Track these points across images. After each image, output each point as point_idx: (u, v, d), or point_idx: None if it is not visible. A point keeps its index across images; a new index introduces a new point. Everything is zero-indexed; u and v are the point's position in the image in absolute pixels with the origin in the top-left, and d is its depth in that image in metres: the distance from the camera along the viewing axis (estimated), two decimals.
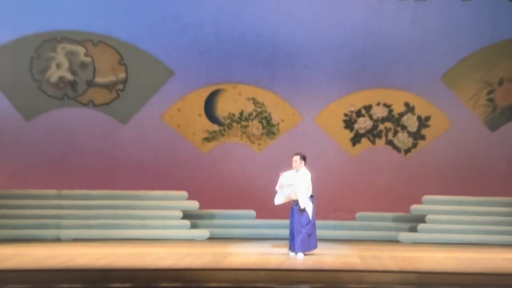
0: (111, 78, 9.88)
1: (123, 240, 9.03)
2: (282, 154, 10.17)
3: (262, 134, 10.35)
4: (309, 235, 7.36)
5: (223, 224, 9.77)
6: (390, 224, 9.75)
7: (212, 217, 9.83)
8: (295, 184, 7.35)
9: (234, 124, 10.36)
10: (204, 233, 9.51)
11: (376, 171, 10.23)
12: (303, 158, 7.47)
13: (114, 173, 10.00)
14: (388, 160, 10.25)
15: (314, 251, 7.53)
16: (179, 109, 10.23)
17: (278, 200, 7.52)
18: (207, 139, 10.38)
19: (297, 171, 7.42)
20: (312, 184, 7.50)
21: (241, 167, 10.22)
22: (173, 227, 9.46)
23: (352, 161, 10.28)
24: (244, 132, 10.40)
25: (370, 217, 9.85)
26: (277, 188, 7.51)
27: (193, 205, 9.59)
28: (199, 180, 10.11)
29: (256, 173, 10.20)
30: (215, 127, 10.31)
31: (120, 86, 9.96)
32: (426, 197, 9.61)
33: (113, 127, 10.04)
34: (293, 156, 7.51)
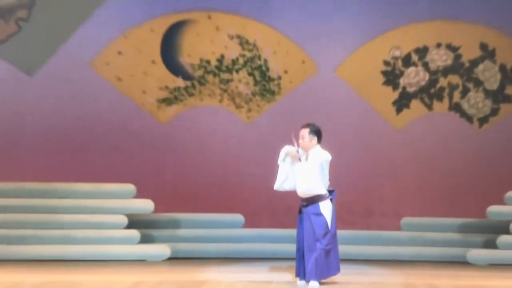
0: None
1: (33, 261, 8.98)
2: (285, 126, 10.09)
3: (254, 94, 10.29)
4: (328, 252, 7.21)
5: (192, 236, 9.81)
6: (455, 235, 9.82)
7: (175, 225, 9.85)
8: (304, 173, 7.15)
9: (209, 77, 10.26)
10: (162, 250, 9.49)
11: (434, 152, 10.25)
12: (316, 132, 7.25)
13: (16, 156, 9.89)
14: (454, 135, 10.26)
15: (335, 277, 7.42)
16: (119, 52, 10.05)
17: (280, 182, 7.38)
18: (166, 102, 10.27)
19: (307, 152, 7.25)
20: (332, 173, 7.33)
21: (220, 147, 10.25)
22: (113, 241, 9.44)
23: (396, 137, 10.28)
24: (225, 91, 10.29)
25: (423, 224, 9.91)
26: (280, 161, 7.35)
27: (145, 206, 9.56)
28: (153, 168, 10.15)
29: (245, 156, 10.26)
30: (179, 82, 10.22)
31: (22, 13, 9.72)
32: (511, 194, 9.62)
33: (12, 80, 9.85)
34: (301, 129, 7.29)
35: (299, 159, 7.18)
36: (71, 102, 9.97)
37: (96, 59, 10.00)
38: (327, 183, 7.25)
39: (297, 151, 7.19)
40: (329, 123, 9.70)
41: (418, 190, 10.20)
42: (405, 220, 9.95)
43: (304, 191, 7.17)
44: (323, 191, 7.17)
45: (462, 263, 9.44)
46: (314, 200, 7.13)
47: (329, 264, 7.24)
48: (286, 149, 7.22)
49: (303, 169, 7.16)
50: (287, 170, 7.23)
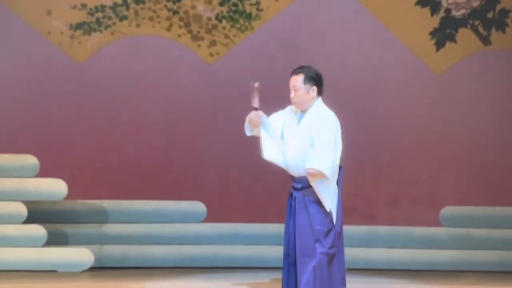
0: None
1: None
2: (267, 69, 10.11)
3: (219, 18, 10.40)
4: (331, 259, 7.23)
5: (126, 234, 10.06)
6: None
7: (100, 217, 10.07)
8: (297, 142, 7.20)
9: None
10: (81, 255, 9.71)
11: (491, 109, 10.47)
12: (315, 80, 7.23)
13: None
14: None
15: None
16: None
17: (269, 149, 7.37)
18: (83, 29, 10.36)
19: (304, 111, 7.32)
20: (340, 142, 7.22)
21: (168, 100, 10.38)
22: (6, 242, 9.61)
23: (435, 86, 10.50)
24: (175, 13, 10.38)
25: (472, 217, 10.22)
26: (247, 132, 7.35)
27: (54, 188, 9.71)
28: (65, 132, 10.25)
29: (206, 115, 10.32)
30: None
31: None
32: None
33: None
34: (291, 75, 7.29)
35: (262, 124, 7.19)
36: None
37: None
38: (338, 157, 7.19)
39: (256, 109, 7.11)
40: (334, 65, 9.84)
41: (466, 168, 10.40)
42: (447, 210, 10.20)
43: (297, 168, 7.21)
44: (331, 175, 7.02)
45: None
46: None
47: (332, 276, 7.24)
48: (250, 117, 7.18)
49: (296, 136, 7.14)
50: (267, 134, 7.30)
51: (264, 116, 7.21)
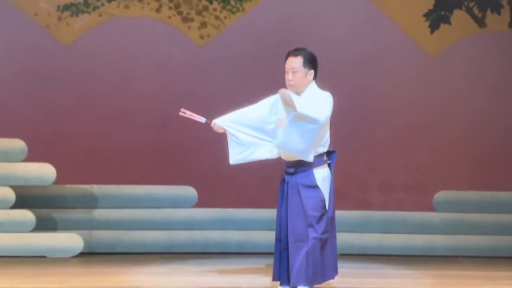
0: None
1: None
2: (260, 51, 10.08)
3: None
4: (324, 244, 7.29)
5: (117, 219, 10.09)
6: None
7: (90, 202, 10.09)
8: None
9: None
10: (70, 241, 9.75)
11: (487, 93, 10.42)
12: (312, 62, 7.30)
13: None
14: None
15: (333, 282, 7.54)
16: None
17: (237, 153, 7.54)
18: (71, 10, 10.35)
19: (299, 94, 7.30)
20: (331, 126, 7.30)
21: (159, 83, 10.39)
22: None
23: (429, 68, 10.46)
24: None
25: (467, 202, 10.22)
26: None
27: (42, 173, 9.74)
28: (53, 116, 10.24)
29: (197, 99, 10.17)
30: None
31: None
32: None
33: None
34: (288, 57, 7.32)
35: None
36: None
37: None
38: (327, 140, 7.28)
39: (208, 122, 7.44)
40: (326, 47, 9.83)
41: (461, 152, 10.38)
42: (441, 195, 10.21)
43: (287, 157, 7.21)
44: (320, 151, 7.19)
45: None
46: (305, 165, 7.18)
47: (325, 262, 7.31)
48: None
49: (290, 119, 7.06)
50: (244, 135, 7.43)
51: (217, 122, 7.44)
